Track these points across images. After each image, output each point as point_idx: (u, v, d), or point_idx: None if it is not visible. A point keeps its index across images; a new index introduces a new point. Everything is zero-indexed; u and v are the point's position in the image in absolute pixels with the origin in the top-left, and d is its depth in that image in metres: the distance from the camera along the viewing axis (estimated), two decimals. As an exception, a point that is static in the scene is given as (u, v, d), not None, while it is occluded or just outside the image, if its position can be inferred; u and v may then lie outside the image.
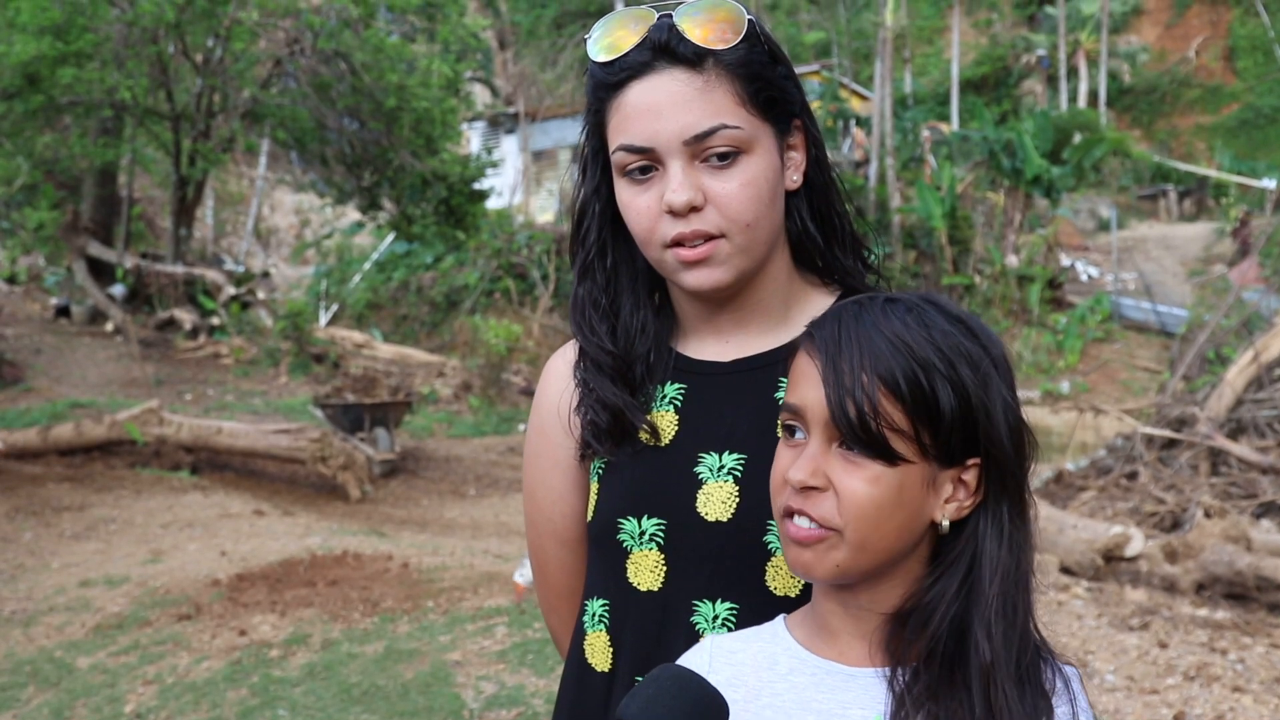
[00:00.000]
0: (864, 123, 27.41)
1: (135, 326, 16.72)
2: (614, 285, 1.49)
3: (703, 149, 1.35)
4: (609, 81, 1.39)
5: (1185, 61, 38.15)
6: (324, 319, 22.03)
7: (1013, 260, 21.94)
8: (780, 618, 1.34)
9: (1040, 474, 10.03)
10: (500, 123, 28.90)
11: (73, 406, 12.68)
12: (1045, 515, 7.42)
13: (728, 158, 1.35)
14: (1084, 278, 24.40)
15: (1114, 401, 16.77)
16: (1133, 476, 9.27)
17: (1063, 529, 7.24)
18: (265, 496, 10.18)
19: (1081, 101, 35.08)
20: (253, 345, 16.95)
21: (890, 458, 1.18)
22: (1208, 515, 7.54)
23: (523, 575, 5.67)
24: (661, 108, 1.35)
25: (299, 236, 30.22)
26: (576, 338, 1.51)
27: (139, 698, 5.17)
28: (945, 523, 1.22)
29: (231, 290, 17.89)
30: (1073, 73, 36.20)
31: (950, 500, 1.22)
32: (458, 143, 17.94)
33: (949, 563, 1.23)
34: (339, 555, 7.26)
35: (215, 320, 17.59)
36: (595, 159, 1.47)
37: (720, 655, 1.30)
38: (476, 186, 17.48)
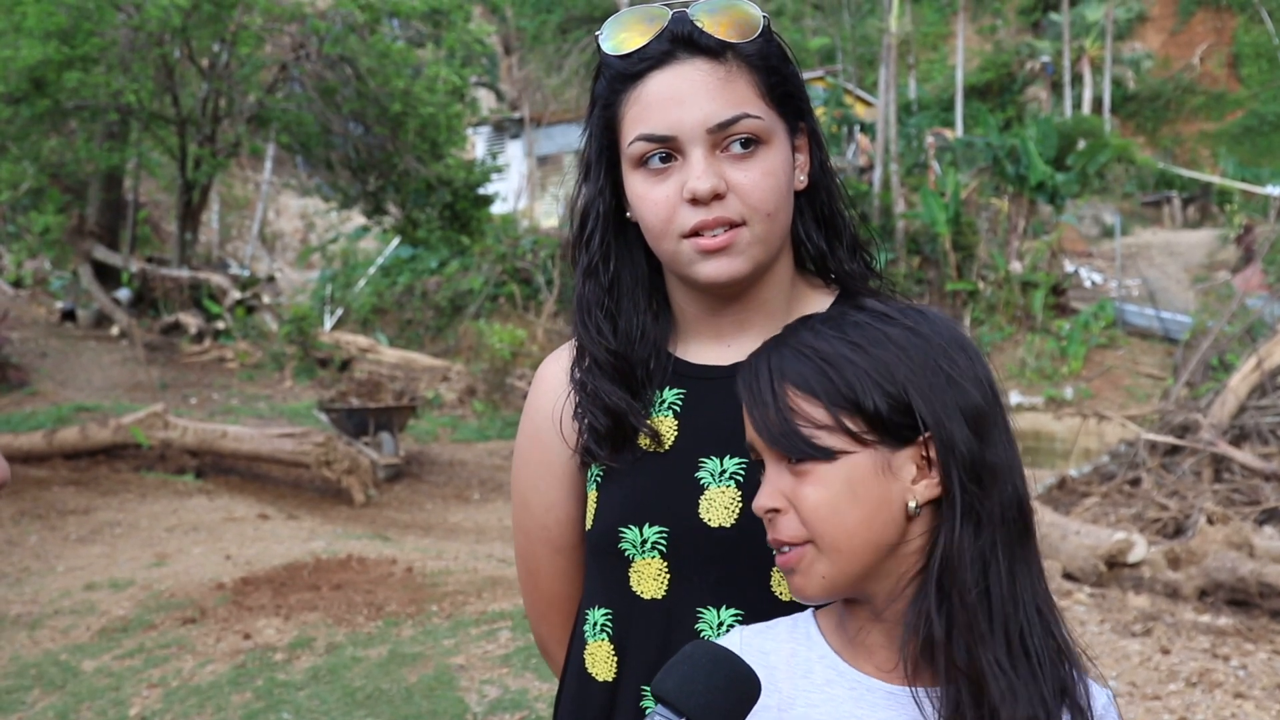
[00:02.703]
0: (868, 129, 27.40)
1: (140, 330, 16.75)
2: (616, 288, 1.48)
3: (724, 138, 1.35)
4: (628, 72, 1.38)
5: (1189, 68, 38.11)
6: (329, 323, 22.07)
7: (1017, 266, 21.93)
8: (809, 614, 1.31)
9: (1043, 480, 10.03)
10: (505, 128, 28.93)
11: (78, 410, 12.69)
12: (1048, 521, 7.41)
13: (749, 146, 1.35)
14: (1088, 284, 24.39)
15: (1117, 407, 16.77)
16: (1136, 483, 9.25)
17: (1065, 535, 7.24)
18: (270, 500, 10.19)
19: (1086, 108, 35.05)
20: (258, 349, 16.98)
21: (826, 454, 1.19)
22: (1210, 522, 7.53)
23: None
24: (684, 96, 1.35)
25: (304, 241, 30.26)
26: (579, 336, 1.49)
27: (143, 701, 5.18)
28: (912, 504, 1.20)
29: (236, 294, 17.93)
30: (1077, 79, 36.16)
31: (918, 480, 1.21)
32: (463, 148, 17.94)
33: (931, 543, 1.22)
34: (343, 559, 7.26)
35: (220, 324, 17.63)
36: (600, 160, 1.45)
37: (751, 653, 1.26)
38: (481, 191, 17.49)
